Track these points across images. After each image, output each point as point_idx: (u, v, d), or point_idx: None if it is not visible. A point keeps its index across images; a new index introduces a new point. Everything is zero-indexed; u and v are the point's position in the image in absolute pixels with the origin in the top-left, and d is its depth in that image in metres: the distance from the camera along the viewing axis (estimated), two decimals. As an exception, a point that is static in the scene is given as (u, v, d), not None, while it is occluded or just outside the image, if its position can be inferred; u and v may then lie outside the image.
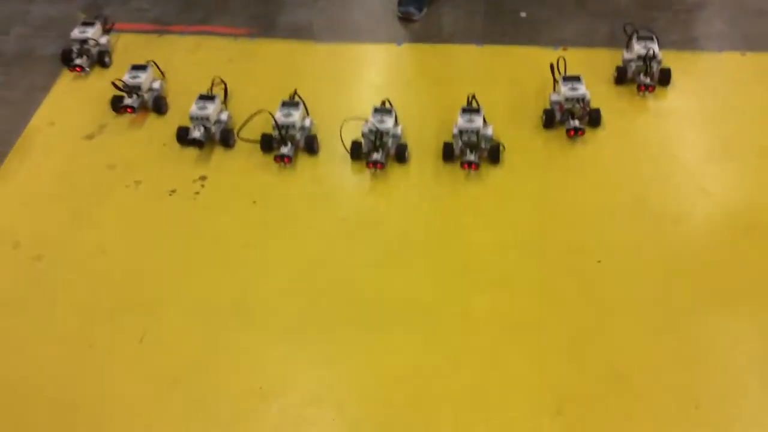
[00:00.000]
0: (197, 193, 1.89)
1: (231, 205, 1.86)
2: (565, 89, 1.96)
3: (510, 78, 2.16)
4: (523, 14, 2.39)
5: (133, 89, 2.07)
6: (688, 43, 2.24)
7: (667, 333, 1.55)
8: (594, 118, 1.96)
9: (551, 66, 2.07)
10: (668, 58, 2.09)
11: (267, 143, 1.94)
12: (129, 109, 2.06)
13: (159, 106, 2.09)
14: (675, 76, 2.06)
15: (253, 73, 2.24)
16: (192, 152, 1.98)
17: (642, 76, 2.03)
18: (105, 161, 1.98)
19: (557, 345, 1.54)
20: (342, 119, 2.01)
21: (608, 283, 1.64)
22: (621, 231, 1.74)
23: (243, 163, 1.95)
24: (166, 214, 1.85)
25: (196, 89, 2.11)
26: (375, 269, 1.70)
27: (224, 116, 2.00)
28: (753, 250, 1.68)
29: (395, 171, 1.91)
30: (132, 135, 2.05)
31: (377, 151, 1.87)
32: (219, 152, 1.98)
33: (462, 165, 1.85)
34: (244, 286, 1.68)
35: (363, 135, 1.90)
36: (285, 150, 1.90)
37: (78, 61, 2.22)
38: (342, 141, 1.93)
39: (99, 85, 2.19)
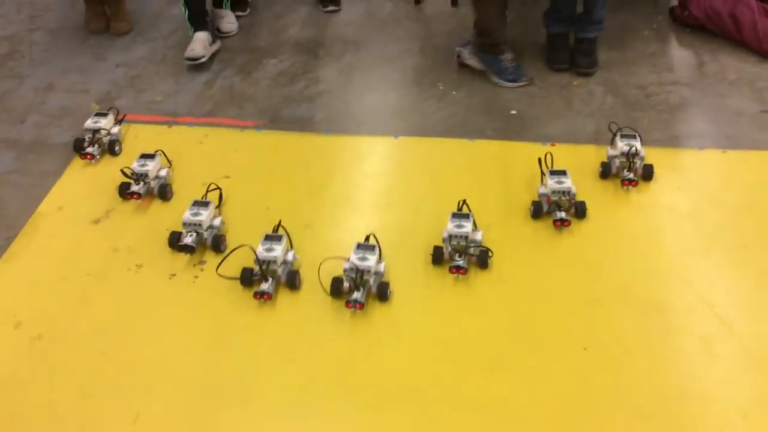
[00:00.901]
0: (196, 277, 1.95)
1: (229, 290, 1.91)
2: (552, 182, 2.05)
3: (500, 171, 2.25)
4: (513, 111, 2.52)
5: (140, 177, 2.17)
6: (671, 140, 2.34)
7: (650, 420, 1.57)
8: (580, 210, 2.04)
9: (539, 160, 2.18)
10: (651, 155, 2.19)
11: (247, 278, 1.88)
12: (135, 196, 2.15)
13: (164, 193, 2.18)
14: (658, 171, 2.15)
15: (257, 162, 2.35)
16: (193, 237, 2.06)
17: (626, 172, 2.13)
18: (109, 245, 2.05)
19: (543, 430, 1.56)
20: (335, 217, 2.11)
21: (594, 370, 1.68)
22: (606, 319, 1.79)
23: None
24: (165, 297, 1.90)
25: (201, 178, 2.22)
26: (368, 352, 1.74)
27: (217, 222, 2.03)
28: (731, 339, 1.73)
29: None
30: (137, 220, 2.13)
31: (358, 290, 1.81)
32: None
33: (450, 270, 1.87)
34: (239, 367, 1.72)
35: (344, 272, 1.86)
36: (265, 287, 1.84)
37: (89, 150, 2.33)
38: (320, 282, 1.88)
39: (108, 172, 2.30)
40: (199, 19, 2.88)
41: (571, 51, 2.71)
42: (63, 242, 2.08)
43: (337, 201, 2.18)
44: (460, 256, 1.89)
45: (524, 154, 2.28)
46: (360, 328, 1.80)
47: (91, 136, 2.37)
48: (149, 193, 2.20)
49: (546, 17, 2.73)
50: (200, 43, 2.83)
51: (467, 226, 1.91)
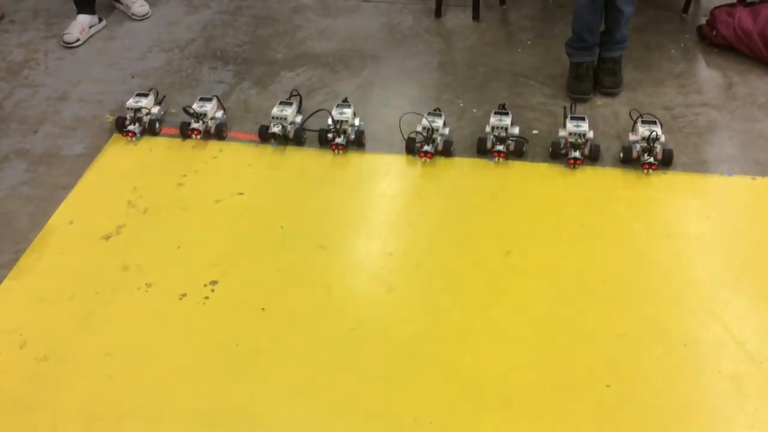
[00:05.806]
0: (207, 297, 1.90)
1: (240, 311, 1.86)
2: (570, 126, 2.27)
3: (522, 193, 2.19)
4: (535, 131, 2.44)
5: (199, 116, 2.43)
6: (699, 165, 2.26)
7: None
8: (594, 153, 2.24)
9: (564, 108, 2.46)
10: (679, 181, 2.13)
11: (323, 137, 2.37)
12: (196, 132, 2.42)
13: (220, 131, 2.46)
14: (686, 198, 2.09)
15: (272, 179, 2.31)
16: (204, 255, 2.01)
17: (646, 156, 2.20)
18: (119, 263, 2.00)
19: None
20: (350, 237, 2.07)
21: (617, 409, 1.61)
22: (630, 355, 1.72)
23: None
24: (175, 319, 1.85)
25: (214, 194, 2.20)
26: (382, 382, 1.68)
27: (299, 119, 2.47)
28: (763, 378, 1.65)
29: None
30: (148, 238, 2.09)
31: (428, 144, 2.26)
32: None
33: (492, 154, 2.25)
34: (249, 393, 1.67)
35: (416, 133, 2.31)
36: (339, 140, 2.33)
37: (131, 128, 2.46)
38: (401, 132, 2.38)
39: (119, 186, 2.26)
40: (83, 2, 3.11)
41: (594, 80, 2.62)
42: (72, 259, 2.03)
43: (353, 221, 2.12)
44: (501, 143, 2.25)
45: (547, 175, 2.21)
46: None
47: (132, 114, 2.48)
48: (207, 132, 2.45)
49: (568, 46, 2.64)
50: (78, 26, 3.07)
51: (506, 120, 2.31)
